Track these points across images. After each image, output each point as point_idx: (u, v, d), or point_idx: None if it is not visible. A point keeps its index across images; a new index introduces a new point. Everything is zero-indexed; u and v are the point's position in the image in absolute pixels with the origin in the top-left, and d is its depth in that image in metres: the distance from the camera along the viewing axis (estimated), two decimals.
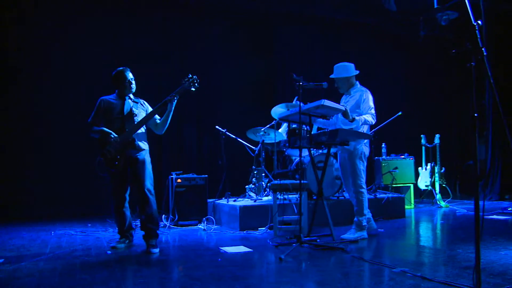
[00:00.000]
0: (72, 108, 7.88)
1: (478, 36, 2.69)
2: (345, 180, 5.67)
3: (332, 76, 5.58)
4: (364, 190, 5.41)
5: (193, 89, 5.08)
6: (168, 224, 6.58)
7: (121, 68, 5.09)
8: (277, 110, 6.63)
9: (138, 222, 5.42)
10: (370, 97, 5.41)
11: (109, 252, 4.85)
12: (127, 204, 5.10)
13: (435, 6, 9.29)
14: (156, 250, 4.81)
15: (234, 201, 6.89)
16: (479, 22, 2.69)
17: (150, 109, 5.21)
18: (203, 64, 8.92)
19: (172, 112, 5.06)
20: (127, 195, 5.08)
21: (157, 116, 5.13)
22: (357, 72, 5.57)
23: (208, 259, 4.47)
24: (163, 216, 6.77)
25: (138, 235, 5.19)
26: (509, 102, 10.28)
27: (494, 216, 7.16)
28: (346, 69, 5.53)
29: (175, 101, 5.02)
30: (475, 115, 2.71)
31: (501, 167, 10.18)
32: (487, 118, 10.35)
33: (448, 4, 9.02)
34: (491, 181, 10.24)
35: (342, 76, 5.51)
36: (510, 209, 7.59)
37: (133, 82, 5.10)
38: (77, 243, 5.38)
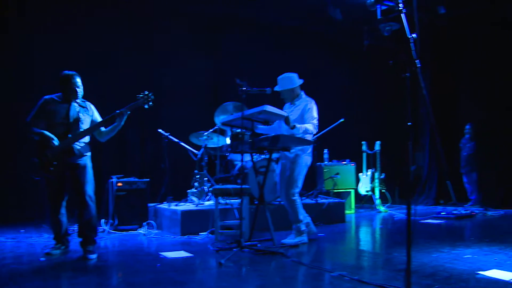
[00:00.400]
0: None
1: (413, 49, 2.79)
2: (280, 187, 5.66)
3: (276, 88, 5.56)
4: (297, 198, 5.42)
5: (146, 106, 5.00)
6: (107, 229, 6.41)
7: (70, 72, 4.87)
8: (221, 115, 6.61)
9: (75, 228, 5.24)
10: (315, 108, 5.46)
11: (42, 259, 4.65)
12: (63, 210, 4.91)
13: (379, 17, 9.57)
14: (94, 256, 4.67)
15: (176, 205, 6.81)
16: (414, 35, 2.79)
17: (96, 114, 5.06)
18: (147, 66, 8.77)
19: (120, 127, 4.93)
20: (64, 201, 4.89)
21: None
22: (301, 81, 5.59)
23: (147, 264, 4.40)
24: (102, 220, 6.58)
25: (75, 241, 5.01)
26: (449, 111, 10.79)
27: (429, 220, 7.43)
28: (290, 80, 5.54)
29: (126, 116, 4.90)
30: (409, 124, 2.81)
31: (437, 173, 10.59)
32: (424, 126, 10.76)
33: (390, 15, 9.30)
34: (427, 187, 10.64)
35: (286, 88, 5.54)
36: (444, 213, 7.88)
37: (80, 88, 4.89)
38: (6, 250, 5.13)
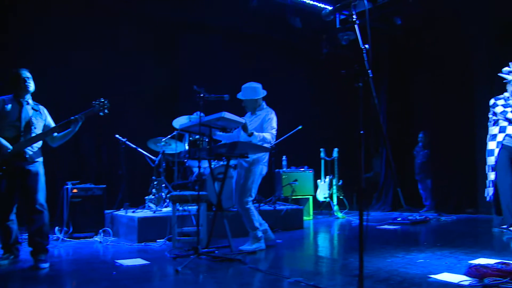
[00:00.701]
0: None
1: (365, 59, 2.86)
2: (235, 195, 5.64)
3: (239, 96, 5.58)
4: (250, 206, 5.43)
5: (101, 114, 4.92)
6: (61, 237, 6.25)
7: (18, 69, 4.77)
8: (179, 121, 6.58)
9: (26, 236, 5.07)
10: (275, 118, 5.50)
11: None
12: (13, 216, 4.75)
13: (337, 26, 9.75)
14: (46, 265, 4.52)
15: (133, 212, 6.71)
16: (367, 46, 2.87)
17: (49, 118, 4.93)
18: (104, 69, 8.62)
19: (74, 133, 4.83)
20: (14, 207, 4.73)
21: None
22: (265, 93, 5.62)
23: (102, 272, 4.31)
24: (56, 228, 6.40)
25: (26, 250, 4.83)
26: (405, 118, 11.07)
27: (386, 226, 7.57)
28: (254, 91, 5.56)
29: (80, 123, 4.80)
30: (361, 132, 2.88)
31: (394, 180, 10.81)
32: (382, 133, 10.99)
33: (348, 25, 9.49)
34: (384, 193, 10.85)
35: (249, 98, 5.56)
36: (400, 219, 8.05)
37: (29, 80, 4.74)
38: None
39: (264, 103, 5.65)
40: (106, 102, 4.92)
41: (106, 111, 4.92)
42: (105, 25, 8.78)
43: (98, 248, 5.77)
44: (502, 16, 8.95)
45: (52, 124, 4.92)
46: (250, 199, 5.45)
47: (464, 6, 9.08)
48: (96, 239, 6.36)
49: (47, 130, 4.80)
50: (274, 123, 5.47)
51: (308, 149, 10.56)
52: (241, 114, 5.59)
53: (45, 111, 4.95)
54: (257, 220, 5.48)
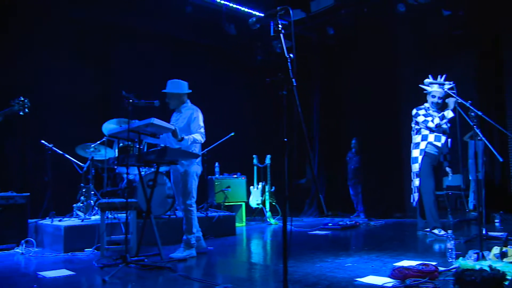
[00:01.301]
0: None
1: (290, 68, 2.92)
2: (177, 198, 5.66)
3: (164, 90, 5.56)
4: (194, 209, 5.43)
5: (21, 113, 4.70)
6: None
7: None
8: (109, 126, 6.41)
9: None
10: (201, 116, 5.50)
11: None
12: None
13: (271, 34, 9.87)
14: None
15: (60, 220, 6.45)
16: (291, 55, 2.93)
17: None
18: (31, 71, 8.26)
19: None
20: None
21: None
22: (189, 91, 5.62)
23: (23, 286, 4.11)
24: None
25: None
26: (337, 125, 11.35)
27: (317, 231, 7.70)
28: (178, 85, 5.56)
29: None
30: (285, 140, 2.94)
31: (325, 187, 11.06)
32: (314, 141, 11.20)
33: (283, 33, 9.62)
34: (316, 199, 11.04)
35: (173, 92, 5.52)
36: (331, 224, 8.22)
37: None
38: None
39: (189, 101, 5.64)
40: (26, 101, 4.73)
41: (26, 110, 4.73)
42: (36, 25, 8.43)
43: (20, 260, 5.48)
44: (426, 31, 9.45)
45: None
46: (193, 200, 5.43)
47: (392, 21, 9.48)
48: (17, 250, 6.01)
49: None
50: (201, 122, 5.48)
51: (241, 155, 10.58)
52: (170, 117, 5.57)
53: None
54: (196, 225, 5.44)
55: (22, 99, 4.71)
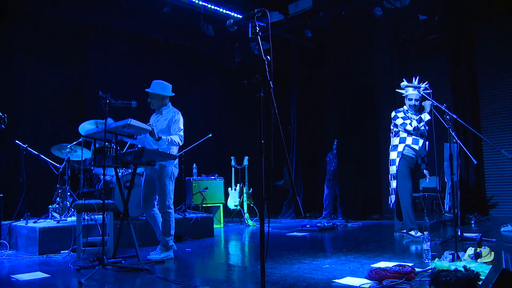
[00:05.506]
0: None
1: (267, 70, 2.94)
2: (145, 199, 5.52)
3: (147, 89, 5.51)
4: (172, 211, 5.39)
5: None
6: None
7: None
8: (85, 127, 6.34)
9: None
10: (181, 119, 5.48)
11: None
12: None
13: (249, 36, 9.88)
14: None
15: (35, 222, 6.35)
16: (268, 57, 2.95)
17: None
18: (4, 71, 8.11)
19: None
20: None
21: None
22: (173, 94, 5.60)
23: None
24: None
25: None
26: (316, 126, 11.40)
27: (295, 233, 7.73)
28: (163, 87, 5.52)
29: None
30: (262, 141, 2.95)
31: (303, 188, 11.11)
32: (292, 143, 11.24)
33: (262, 34, 9.65)
34: (294, 201, 11.07)
35: (157, 93, 5.48)
36: (309, 226, 8.25)
37: None
38: None
39: (170, 104, 5.62)
40: (4, 116, 4.65)
41: (2, 126, 4.65)
42: (8, 24, 8.29)
43: None
44: (402, 35, 9.59)
45: None
46: (171, 201, 5.38)
47: (369, 24, 9.59)
48: None
49: None
50: (181, 125, 5.46)
51: (219, 157, 10.58)
52: (149, 119, 5.53)
53: None
54: (173, 227, 5.40)
55: (1, 114, 4.64)
